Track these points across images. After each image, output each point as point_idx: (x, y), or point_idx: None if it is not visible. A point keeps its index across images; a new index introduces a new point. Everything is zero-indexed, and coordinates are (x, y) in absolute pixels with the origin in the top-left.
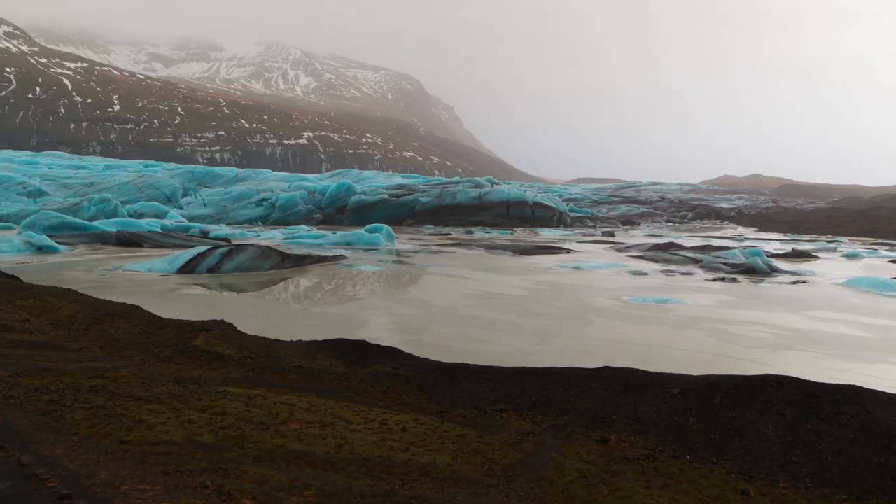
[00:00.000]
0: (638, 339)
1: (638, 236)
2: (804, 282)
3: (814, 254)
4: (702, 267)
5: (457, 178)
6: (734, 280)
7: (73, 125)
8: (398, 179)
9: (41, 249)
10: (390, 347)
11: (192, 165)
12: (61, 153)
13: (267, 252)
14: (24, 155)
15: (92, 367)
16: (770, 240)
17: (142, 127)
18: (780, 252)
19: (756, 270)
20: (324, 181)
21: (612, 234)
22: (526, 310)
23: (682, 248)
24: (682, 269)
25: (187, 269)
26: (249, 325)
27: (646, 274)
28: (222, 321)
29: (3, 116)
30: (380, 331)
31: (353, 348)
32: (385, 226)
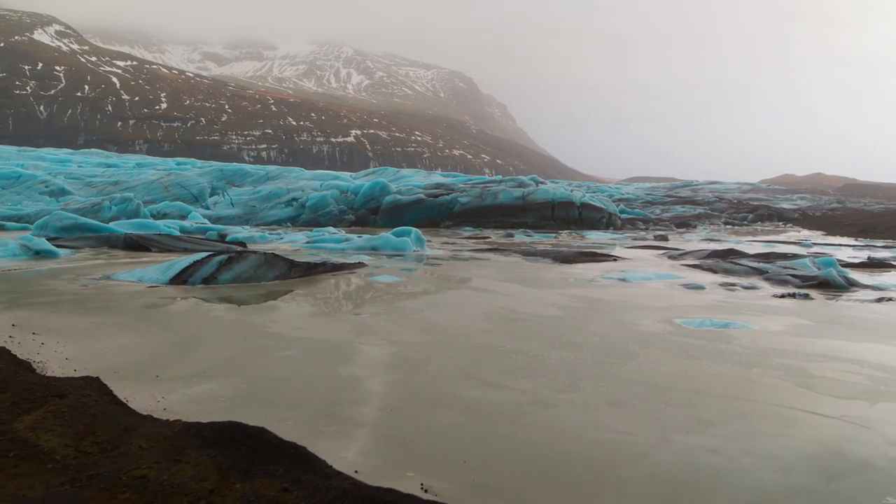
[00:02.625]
0: (691, 382)
1: (694, 241)
2: (889, 299)
3: (894, 263)
4: (767, 279)
5: (499, 177)
6: (806, 297)
7: (119, 123)
8: (437, 178)
9: (39, 254)
10: (294, 447)
11: (222, 163)
12: (99, 151)
13: (272, 260)
14: (62, 153)
15: None
16: (840, 245)
17: (188, 125)
18: (855, 261)
19: (831, 284)
20: (358, 180)
21: (665, 238)
22: (555, 336)
23: (743, 255)
24: (745, 281)
25: (180, 278)
26: (212, 354)
27: (702, 288)
28: (97, 379)
29: (52, 115)
30: (367, 366)
31: (243, 443)
32: (414, 229)
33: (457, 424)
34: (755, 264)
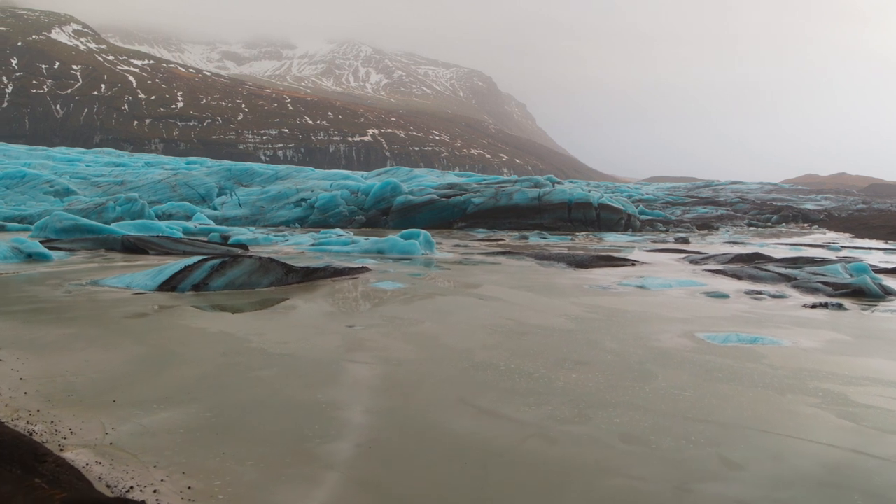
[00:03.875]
0: (717, 411)
1: (716, 243)
2: None
3: None
4: (796, 287)
5: (514, 177)
6: (839, 307)
7: (136, 122)
8: (451, 178)
9: (30, 257)
10: None
11: (232, 162)
12: (111, 150)
13: (267, 265)
14: (73, 152)
15: None
16: (870, 249)
17: (205, 124)
18: (888, 266)
19: (865, 293)
20: (369, 180)
21: (686, 241)
22: (565, 353)
23: (769, 259)
24: (772, 288)
25: (169, 285)
26: (182, 373)
27: (727, 296)
28: None
29: (68, 114)
30: (351, 390)
31: None
32: (423, 231)
33: (443, 466)
34: (782, 270)
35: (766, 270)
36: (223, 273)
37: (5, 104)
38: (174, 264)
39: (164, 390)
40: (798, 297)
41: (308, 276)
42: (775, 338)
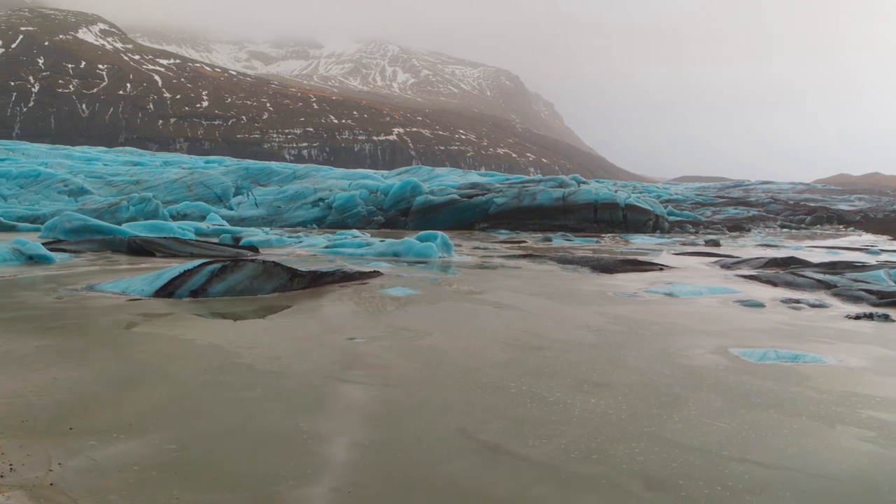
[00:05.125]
0: (756, 447)
1: (748, 246)
2: None
3: None
4: (836, 294)
5: (538, 177)
6: (885, 318)
7: (161, 121)
8: (473, 178)
9: (32, 259)
10: None
11: (250, 161)
12: (133, 149)
13: (271, 270)
14: (94, 151)
15: None
16: None
17: (229, 123)
18: None
19: None
20: (389, 179)
21: (716, 244)
22: (583, 373)
23: (806, 264)
24: (811, 296)
25: (167, 290)
26: (154, 395)
27: (762, 305)
28: None
29: (94, 113)
30: (338, 417)
31: None
32: (441, 233)
33: None
34: (821, 276)
35: (803, 276)
36: (223, 278)
37: (32, 103)
38: (173, 268)
39: (130, 415)
40: (840, 307)
41: (314, 282)
42: (818, 354)
